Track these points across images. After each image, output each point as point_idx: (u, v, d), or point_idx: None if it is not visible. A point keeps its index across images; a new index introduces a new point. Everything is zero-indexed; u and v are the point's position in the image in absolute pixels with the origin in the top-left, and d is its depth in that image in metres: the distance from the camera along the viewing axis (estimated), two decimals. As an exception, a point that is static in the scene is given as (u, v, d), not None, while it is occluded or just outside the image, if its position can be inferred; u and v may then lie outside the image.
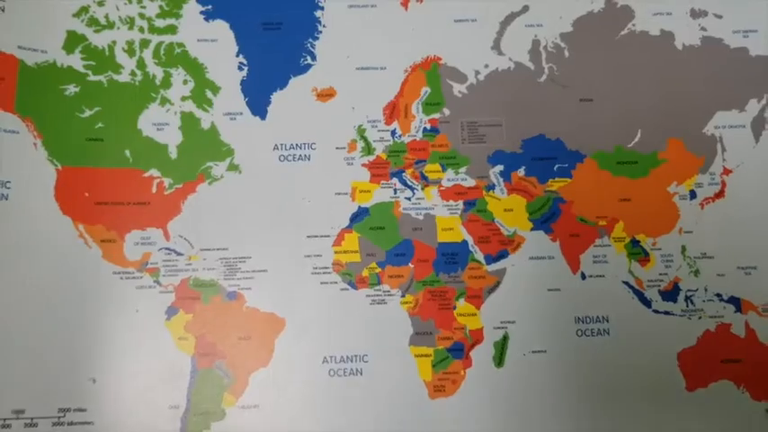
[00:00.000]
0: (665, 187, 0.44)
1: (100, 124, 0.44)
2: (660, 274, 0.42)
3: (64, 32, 0.45)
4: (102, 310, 0.41)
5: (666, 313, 0.42)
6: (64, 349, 0.41)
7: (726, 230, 0.43)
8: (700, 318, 0.42)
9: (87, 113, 0.44)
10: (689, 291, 0.42)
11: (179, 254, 0.43)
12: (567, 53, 0.45)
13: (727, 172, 0.44)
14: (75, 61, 0.44)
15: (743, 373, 0.41)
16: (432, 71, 0.45)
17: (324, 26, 0.46)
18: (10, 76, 0.43)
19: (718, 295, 0.42)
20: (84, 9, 0.45)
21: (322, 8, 0.46)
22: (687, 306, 0.42)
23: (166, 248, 0.43)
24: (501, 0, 0.46)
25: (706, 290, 0.42)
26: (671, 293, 0.42)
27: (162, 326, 0.42)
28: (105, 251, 0.42)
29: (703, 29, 0.45)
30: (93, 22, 0.45)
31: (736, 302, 0.42)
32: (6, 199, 0.42)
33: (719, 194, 0.43)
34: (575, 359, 0.41)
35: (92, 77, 0.44)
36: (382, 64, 0.45)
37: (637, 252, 0.43)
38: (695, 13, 0.46)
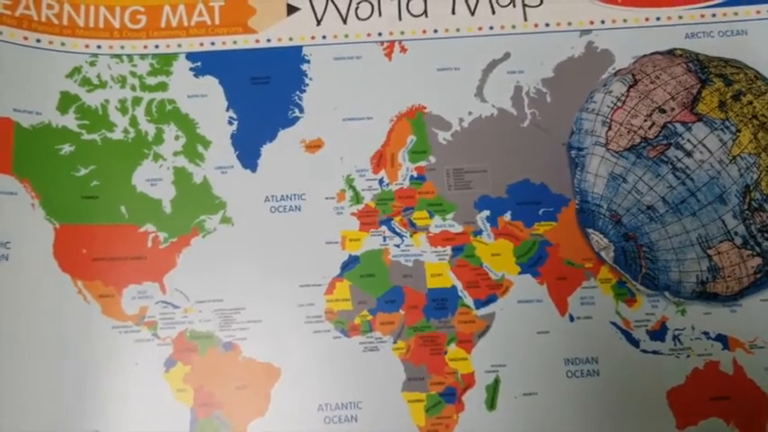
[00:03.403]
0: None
1: (95, 182, 0.45)
2: (647, 314, 0.43)
3: (57, 93, 0.46)
4: (103, 364, 0.42)
5: (655, 353, 0.42)
6: (67, 403, 0.41)
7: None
8: (688, 356, 0.42)
9: (83, 172, 0.45)
10: (676, 330, 0.43)
11: (176, 306, 0.44)
12: (548, 98, 0.46)
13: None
14: (70, 121, 0.46)
15: (732, 410, 0.41)
16: (417, 120, 0.46)
17: (311, 79, 0.47)
18: (6, 138, 0.44)
19: (706, 333, 0.43)
20: (77, 69, 0.46)
21: (308, 61, 0.47)
22: (675, 345, 0.42)
23: (163, 302, 0.44)
24: (483, 47, 0.47)
25: (693, 328, 0.43)
26: (658, 333, 0.43)
27: (161, 378, 0.42)
28: (104, 306, 0.43)
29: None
30: (85, 81, 0.46)
31: (724, 340, 0.42)
32: (6, 259, 0.43)
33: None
34: (565, 401, 0.42)
35: (86, 136, 0.46)
36: (368, 114, 0.46)
37: (623, 293, 0.43)
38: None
